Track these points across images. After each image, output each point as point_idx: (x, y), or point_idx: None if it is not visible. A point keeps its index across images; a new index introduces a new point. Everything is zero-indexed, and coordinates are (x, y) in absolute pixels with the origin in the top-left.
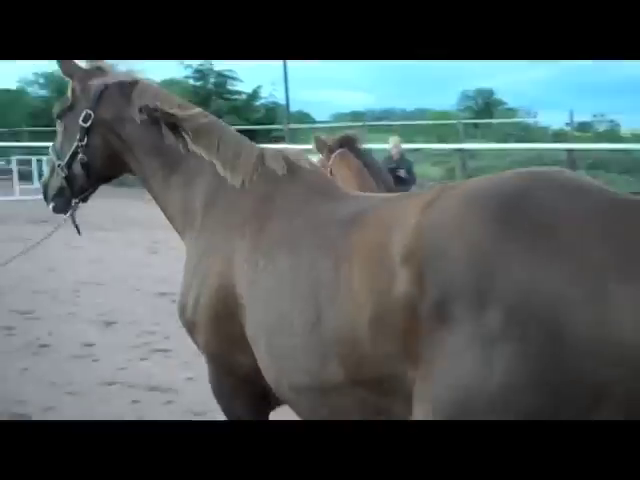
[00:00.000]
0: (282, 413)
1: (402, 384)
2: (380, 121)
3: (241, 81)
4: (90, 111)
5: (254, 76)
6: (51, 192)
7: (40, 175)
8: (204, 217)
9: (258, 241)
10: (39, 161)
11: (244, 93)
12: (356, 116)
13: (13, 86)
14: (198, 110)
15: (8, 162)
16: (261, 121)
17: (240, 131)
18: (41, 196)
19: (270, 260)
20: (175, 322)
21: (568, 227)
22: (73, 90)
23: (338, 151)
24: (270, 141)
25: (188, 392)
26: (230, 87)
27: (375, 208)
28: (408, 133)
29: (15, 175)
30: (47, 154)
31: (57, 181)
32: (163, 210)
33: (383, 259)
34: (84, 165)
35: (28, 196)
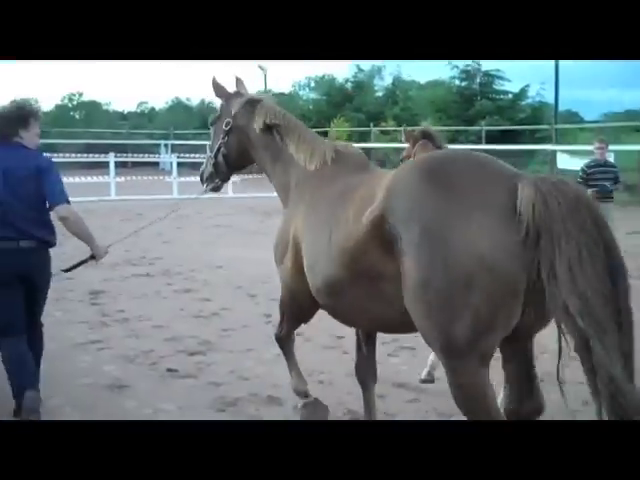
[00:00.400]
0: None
1: (383, 273)
2: None
3: (509, 80)
4: (230, 119)
5: (523, 75)
6: (205, 176)
7: None
8: (292, 193)
9: (312, 203)
10: None
11: (510, 93)
12: (630, 115)
13: (287, 90)
14: (294, 119)
15: None
16: (526, 121)
17: (503, 132)
18: None
19: (313, 211)
20: None
21: (458, 184)
22: (221, 106)
23: (420, 142)
24: (535, 141)
25: (433, 392)
26: (496, 87)
27: (376, 177)
28: None
29: None
30: None
31: (209, 169)
32: (275, 188)
33: (371, 203)
34: (225, 156)
35: None
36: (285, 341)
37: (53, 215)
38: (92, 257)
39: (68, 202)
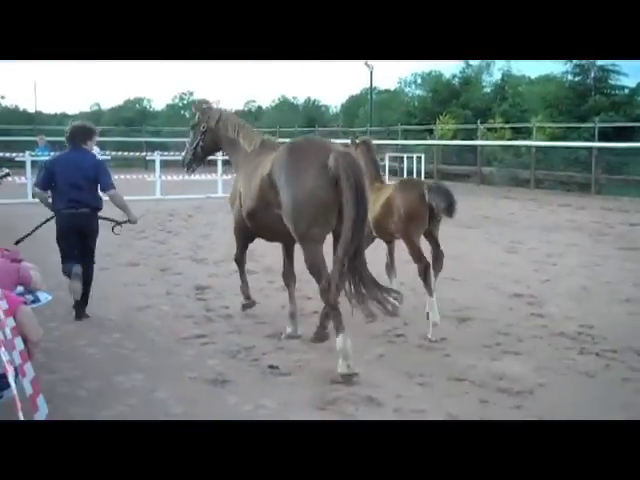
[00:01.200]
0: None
1: (274, 203)
2: None
3: (625, 75)
4: (205, 124)
5: None
6: (186, 162)
7: (409, 171)
8: (239, 165)
9: (246, 169)
10: (409, 158)
11: (627, 88)
12: None
13: (393, 87)
14: (243, 123)
15: (381, 159)
16: None
17: (618, 128)
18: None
19: (247, 174)
20: (529, 325)
21: (303, 154)
22: (199, 117)
23: (360, 148)
24: None
25: (538, 398)
26: (612, 82)
27: (273, 154)
28: None
29: (387, 171)
30: (417, 152)
31: (188, 156)
32: (232, 164)
33: (268, 167)
34: (202, 148)
35: None
36: (240, 261)
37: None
38: (128, 221)
39: (114, 187)
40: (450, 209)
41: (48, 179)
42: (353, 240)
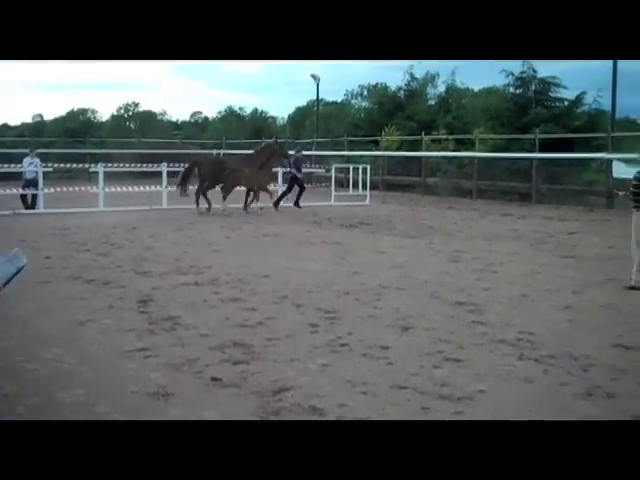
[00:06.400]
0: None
1: None
2: None
3: (565, 88)
4: None
5: (579, 82)
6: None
7: (354, 182)
8: None
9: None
10: (355, 169)
11: (566, 100)
12: None
13: (339, 98)
14: None
15: (328, 170)
16: (581, 129)
17: (557, 140)
18: (354, 202)
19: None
20: (470, 332)
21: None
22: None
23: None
24: (590, 150)
25: (478, 404)
26: (552, 94)
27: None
28: None
29: (333, 182)
30: (363, 162)
31: None
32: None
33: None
34: None
35: (341, 202)
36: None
37: None
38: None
39: None
40: None
41: None
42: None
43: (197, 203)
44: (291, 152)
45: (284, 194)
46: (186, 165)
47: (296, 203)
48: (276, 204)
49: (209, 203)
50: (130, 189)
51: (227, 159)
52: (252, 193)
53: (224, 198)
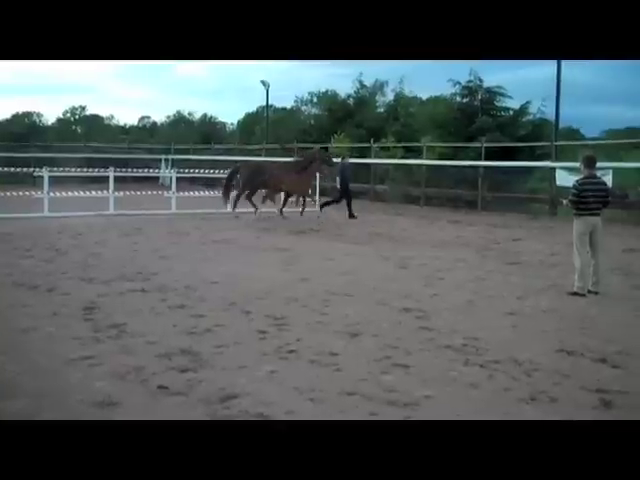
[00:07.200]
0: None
1: None
2: None
3: (510, 97)
4: None
5: (524, 92)
6: None
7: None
8: None
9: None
10: None
11: (511, 109)
12: (631, 132)
13: (289, 105)
14: None
15: None
16: (526, 138)
17: (503, 148)
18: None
19: None
20: (417, 338)
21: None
22: None
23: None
24: (535, 158)
25: (425, 410)
26: (497, 104)
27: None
28: None
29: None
30: None
31: None
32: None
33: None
34: None
35: (291, 208)
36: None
37: None
38: None
39: None
40: None
41: None
42: None
43: (235, 206)
44: (337, 160)
45: (331, 202)
46: (229, 171)
47: (350, 214)
48: (321, 207)
49: (254, 206)
50: (76, 194)
51: (268, 165)
52: (298, 198)
53: (263, 201)
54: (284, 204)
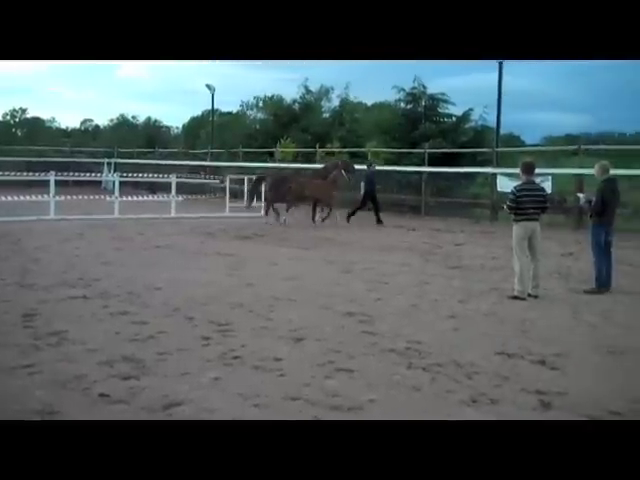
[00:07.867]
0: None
1: None
2: (596, 145)
3: (453, 104)
4: None
5: (466, 99)
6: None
7: (250, 193)
8: None
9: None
10: (250, 180)
11: (454, 116)
12: (570, 139)
13: (235, 109)
14: None
15: (222, 181)
16: (468, 144)
17: (446, 154)
18: (247, 213)
19: None
20: (361, 342)
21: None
22: None
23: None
24: (476, 164)
25: (368, 413)
26: (441, 110)
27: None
28: (626, 159)
29: (227, 193)
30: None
31: None
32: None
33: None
34: None
35: (236, 213)
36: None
37: None
38: None
39: None
40: None
41: None
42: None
43: (266, 213)
44: (362, 167)
45: (355, 211)
46: (253, 178)
47: (378, 220)
48: (348, 217)
49: (277, 213)
50: (16, 198)
51: (291, 174)
52: (322, 208)
53: (287, 210)
54: (314, 213)
